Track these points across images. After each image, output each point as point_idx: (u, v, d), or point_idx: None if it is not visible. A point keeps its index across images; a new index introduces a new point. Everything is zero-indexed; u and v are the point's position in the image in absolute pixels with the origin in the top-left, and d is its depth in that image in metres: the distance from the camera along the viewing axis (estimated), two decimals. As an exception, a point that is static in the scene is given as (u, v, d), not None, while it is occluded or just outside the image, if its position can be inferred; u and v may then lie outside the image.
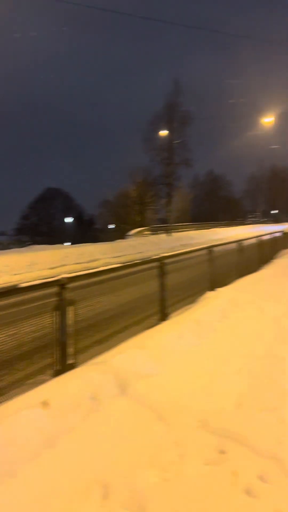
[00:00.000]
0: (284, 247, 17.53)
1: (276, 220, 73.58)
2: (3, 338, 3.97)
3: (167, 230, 35.25)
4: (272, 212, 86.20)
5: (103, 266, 5.79)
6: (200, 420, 3.59)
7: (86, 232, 61.41)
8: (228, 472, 2.84)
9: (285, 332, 6.53)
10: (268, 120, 23.22)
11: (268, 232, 16.55)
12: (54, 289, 4.50)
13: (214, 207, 78.50)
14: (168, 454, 3.08)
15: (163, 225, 39.72)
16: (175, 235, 34.81)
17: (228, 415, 3.71)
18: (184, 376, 4.51)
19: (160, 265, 6.68)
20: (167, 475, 2.85)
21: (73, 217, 69.20)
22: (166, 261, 6.83)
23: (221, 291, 8.33)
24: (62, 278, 4.55)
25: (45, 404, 3.50)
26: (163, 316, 6.59)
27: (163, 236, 33.74)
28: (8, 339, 4.02)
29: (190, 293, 8.03)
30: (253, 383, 4.42)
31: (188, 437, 3.29)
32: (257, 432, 3.37)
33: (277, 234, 16.94)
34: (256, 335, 6.21)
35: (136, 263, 6.36)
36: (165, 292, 6.70)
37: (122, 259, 19.90)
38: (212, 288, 8.67)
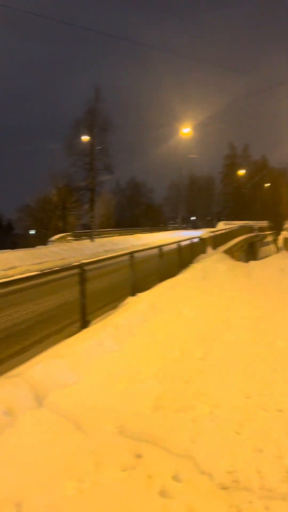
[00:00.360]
0: (202, 252, 18.42)
1: (194, 226, 77.03)
2: None
3: (90, 236, 35.00)
4: (191, 218, 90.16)
5: (21, 274, 5.57)
6: (117, 426, 3.60)
7: (4, 238, 58.53)
8: (144, 475, 2.88)
9: (200, 332, 6.85)
10: (186, 130, 24.27)
11: (187, 237, 17.25)
12: None
13: (137, 213, 79.90)
14: (85, 464, 3.04)
15: (86, 230, 39.40)
16: (99, 241, 34.69)
17: (145, 419, 3.77)
18: (103, 383, 4.50)
19: (81, 271, 6.60)
20: (84, 485, 2.81)
21: (-11, 222, 65.57)
22: (87, 267, 6.77)
23: (142, 296, 8.47)
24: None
25: None
26: (84, 323, 6.51)
27: (86, 242, 33.43)
28: None
29: (112, 299, 8.05)
30: (170, 385, 4.56)
31: (105, 444, 3.28)
32: (173, 433, 3.48)
33: (195, 240, 17.74)
34: (174, 337, 6.43)
35: (55, 270, 6.21)
36: (86, 299, 6.63)
37: (43, 266, 19.29)
38: (133, 293, 8.78)
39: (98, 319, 6.83)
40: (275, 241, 28.16)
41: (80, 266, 6.63)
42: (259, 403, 4.25)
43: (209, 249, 19.21)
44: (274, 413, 4.03)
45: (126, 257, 9.11)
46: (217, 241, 22.30)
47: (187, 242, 15.59)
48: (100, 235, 39.57)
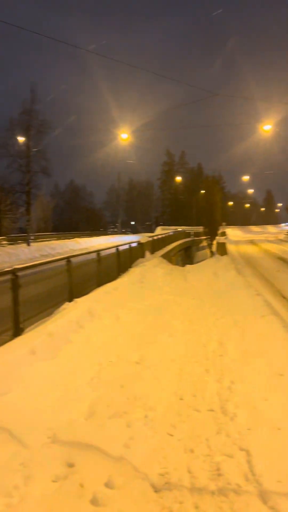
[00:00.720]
0: (141, 256, 18.63)
1: (134, 231, 77.79)
2: None
3: (27, 240, 33.87)
4: (131, 223, 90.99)
5: None
6: (50, 435, 3.51)
7: None
8: (76, 485, 2.83)
9: (137, 336, 6.91)
10: (124, 136, 24.44)
11: (126, 242, 17.36)
12: None
13: (76, 217, 78.89)
14: (14, 477, 2.91)
15: (22, 234, 38.08)
16: (36, 245, 33.68)
17: (79, 426, 3.72)
18: (36, 392, 4.35)
19: (13, 277, 6.35)
20: (12, 500, 2.70)
21: None
22: (21, 273, 6.53)
23: (79, 302, 8.35)
24: None
25: None
26: (17, 331, 6.26)
27: (22, 246, 32.28)
28: None
29: (48, 305, 7.83)
30: (105, 391, 4.54)
31: (36, 455, 3.17)
32: (106, 439, 3.46)
33: (134, 244, 17.90)
34: (110, 342, 6.41)
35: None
36: (19, 306, 6.39)
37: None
38: (71, 299, 8.62)
39: (32, 326, 6.61)
40: (209, 246, 29.26)
41: (13, 272, 6.38)
42: (192, 404, 4.38)
43: (148, 254, 19.46)
44: (205, 413, 4.17)
45: (63, 262, 8.93)
46: (155, 245, 22.68)
47: (126, 246, 15.66)
48: (37, 239, 38.47)
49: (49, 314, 7.43)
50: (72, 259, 9.07)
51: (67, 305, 7.91)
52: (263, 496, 2.81)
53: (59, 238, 43.33)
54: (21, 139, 33.16)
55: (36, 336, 5.64)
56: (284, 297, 11.31)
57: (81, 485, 2.81)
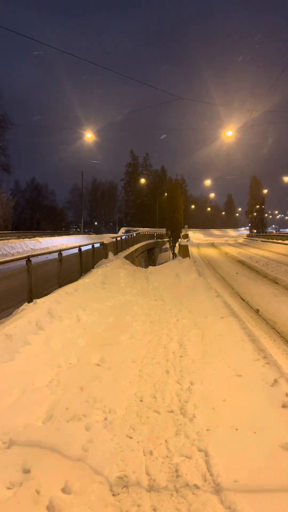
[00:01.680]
0: (104, 257, 18.51)
1: (97, 231, 77.28)
2: None
3: (-15, 238, 32.74)
4: (95, 223, 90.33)
5: None
6: (5, 440, 3.38)
7: None
8: (32, 491, 2.74)
9: (98, 338, 6.84)
10: (89, 136, 24.24)
11: (89, 242, 17.19)
12: None
13: (37, 216, 77.26)
14: None
15: (-19, 232, 36.83)
16: (-6, 243, 32.66)
17: (37, 430, 3.61)
18: (-9, 396, 4.19)
19: None
20: None
21: None
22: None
23: (40, 302, 8.15)
24: None
25: None
26: (-28, 332, 6.02)
27: (-20, 244, 31.17)
28: None
29: (6, 306, 7.60)
30: (64, 393, 4.45)
31: (-10, 462, 3.05)
32: (64, 442, 3.38)
33: (97, 245, 17.76)
34: (71, 344, 6.30)
35: None
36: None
37: None
38: (30, 299, 8.41)
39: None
40: (172, 248, 29.58)
41: None
42: (152, 406, 4.38)
43: (111, 255, 19.37)
44: (165, 414, 4.18)
45: (23, 262, 8.69)
46: (118, 246, 22.63)
47: (89, 247, 15.51)
48: (-4, 237, 37.28)
49: (6, 315, 7.20)
50: (32, 259, 8.86)
51: (26, 306, 7.71)
52: (220, 496, 2.84)
53: (19, 237, 42.21)
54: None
55: (-8, 338, 5.44)
56: (243, 299, 11.61)
57: (37, 491, 2.73)
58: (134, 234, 33.52)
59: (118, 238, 23.72)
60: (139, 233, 37.16)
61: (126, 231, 47.62)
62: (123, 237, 25.64)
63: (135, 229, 54.85)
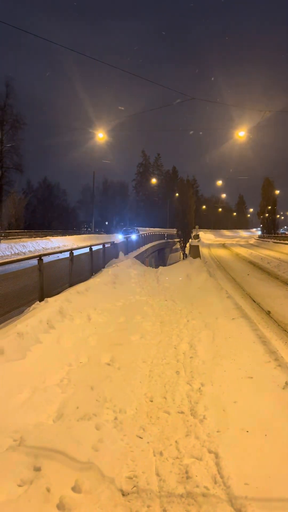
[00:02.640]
0: (114, 257, 18.55)
1: (107, 231, 77.48)
2: None
3: (-3, 237, 33.07)
4: (106, 223, 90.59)
5: None
6: (16, 438, 3.41)
7: None
8: (42, 489, 2.75)
9: (108, 337, 6.85)
10: (101, 135, 24.31)
11: (100, 242, 17.25)
12: None
13: (49, 215, 77.80)
14: (-23, 484, 2.81)
15: (-7, 231, 37.21)
16: (6, 242, 32.97)
17: (47, 429, 3.63)
18: (3, 394, 4.22)
19: (-18, 275, 6.17)
20: (-25, 507, 2.60)
21: None
22: (-11, 270, 6.36)
23: (51, 301, 8.21)
24: None
25: None
26: (-15, 330, 6.08)
27: (-8, 243, 31.50)
28: None
29: (17, 304, 7.65)
30: (75, 392, 4.46)
31: (2, 459, 3.08)
32: (75, 442, 3.40)
33: (108, 245, 17.82)
34: (82, 343, 6.33)
35: None
36: (-13, 304, 6.21)
37: None
38: (41, 298, 8.47)
39: (1, 325, 6.44)
40: (183, 248, 29.51)
41: (-18, 269, 6.20)
42: (162, 406, 4.37)
43: (121, 254, 19.42)
44: (175, 415, 4.17)
45: (34, 261, 8.75)
46: (129, 246, 22.66)
47: (99, 246, 15.56)
48: (7, 236, 37.68)
49: (18, 314, 7.26)
50: (44, 258, 8.92)
51: (37, 305, 7.77)
52: (231, 499, 2.82)
53: (31, 236, 42.56)
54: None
55: (4, 336, 5.49)
56: (254, 301, 11.52)
57: (48, 490, 2.74)
58: (145, 234, 33.46)
59: (129, 238, 23.77)
60: (150, 233, 37.11)
61: (124, 230, 47.37)
62: (134, 237, 25.66)
63: (145, 229, 54.66)
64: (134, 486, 3.00)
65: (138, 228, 57.11)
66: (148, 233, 37.47)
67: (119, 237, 22.24)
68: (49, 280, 9.15)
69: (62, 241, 37.67)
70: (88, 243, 16.50)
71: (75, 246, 12.83)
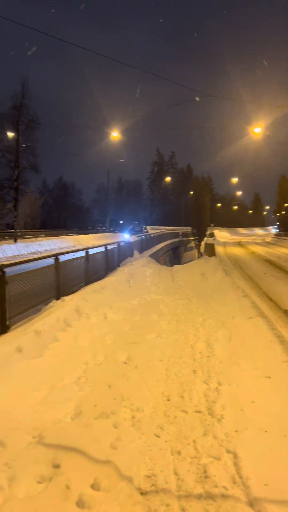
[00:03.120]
0: (129, 255, 18.60)
1: (122, 230, 77.66)
2: None
3: (14, 236, 33.50)
4: (120, 222, 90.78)
5: None
6: (35, 435, 3.45)
7: None
8: (62, 486, 2.78)
9: (125, 336, 6.87)
10: (114, 134, 24.35)
11: (115, 241, 17.31)
12: None
13: (64, 214, 78.43)
14: (-2, 479, 2.85)
15: (10, 231, 37.65)
16: (23, 241, 33.35)
17: (65, 426, 3.66)
18: (21, 391, 4.28)
19: (0, 273, 6.24)
20: (-4, 503, 2.63)
21: None
22: (7, 269, 6.43)
23: (67, 300, 8.27)
24: None
25: None
26: (3, 328, 6.16)
27: (9, 242, 31.94)
28: None
29: (35, 302, 7.73)
30: (92, 391, 4.49)
31: (21, 456, 3.12)
32: (93, 440, 3.42)
33: (123, 244, 17.86)
34: (98, 342, 6.36)
35: None
36: (5, 303, 6.29)
37: None
38: (58, 296, 8.54)
39: (19, 323, 6.51)
40: (198, 246, 29.36)
41: (0, 268, 6.28)
42: (179, 405, 4.36)
43: (136, 253, 19.44)
44: (192, 414, 4.15)
45: (50, 259, 8.83)
46: (144, 245, 22.67)
47: (115, 245, 15.60)
48: (24, 236, 38.10)
49: (35, 312, 7.33)
50: (60, 257, 8.99)
51: (54, 303, 7.83)
52: (250, 500, 2.79)
53: (46, 235, 42.96)
54: (10, 134, 32.78)
55: (22, 334, 5.56)
56: (271, 300, 11.39)
57: (67, 487, 2.76)
58: (160, 233, 33.37)
59: (143, 237, 23.77)
60: (164, 231, 37.01)
61: (151, 230, 46.74)
62: (148, 236, 25.66)
63: (160, 227, 54.44)
64: (153, 485, 3.00)
65: (148, 226, 56.57)
66: (162, 232, 37.37)
67: (125, 237, 22.16)
68: (65, 279, 9.23)
69: (77, 240, 37.92)
70: (103, 242, 16.55)
71: (90, 245, 12.89)
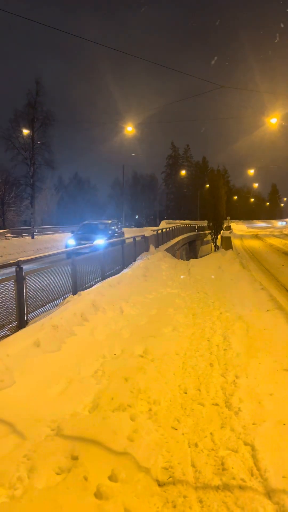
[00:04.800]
0: (145, 250, 18.61)
1: (138, 224, 77.62)
2: None
3: (31, 233, 33.93)
4: (136, 216, 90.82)
5: None
6: (54, 427, 3.50)
7: None
8: (80, 477, 2.81)
9: (141, 330, 6.89)
10: (129, 129, 24.31)
11: (130, 236, 17.33)
12: None
13: (80, 210, 78.79)
14: (17, 470, 2.91)
15: (27, 227, 38.15)
16: (40, 238, 33.76)
17: (83, 419, 3.70)
18: (40, 384, 4.35)
19: (18, 269, 6.33)
20: (16, 492, 2.69)
21: None
22: (25, 265, 6.52)
23: (84, 294, 8.34)
24: None
25: None
26: (22, 323, 6.26)
27: (27, 239, 32.38)
28: None
29: (52, 297, 7.83)
30: (109, 384, 4.52)
31: (40, 447, 3.17)
32: (110, 432, 3.45)
33: (138, 238, 17.87)
34: (115, 335, 6.40)
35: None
36: (23, 298, 6.38)
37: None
38: (75, 291, 8.62)
39: (37, 318, 6.61)
40: (214, 240, 29.18)
41: (17, 264, 6.36)
42: (196, 398, 4.36)
43: (152, 247, 19.42)
44: (209, 407, 4.15)
45: (67, 255, 8.92)
46: (159, 239, 22.63)
47: (131, 240, 15.63)
48: (41, 232, 38.51)
49: (53, 306, 7.42)
50: (76, 252, 9.06)
51: (71, 298, 7.91)
52: (268, 492, 2.78)
53: (63, 231, 43.33)
54: (25, 131, 33.08)
55: (40, 328, 5.64)
56: (289, 292, 11.24)
57: (85, 478, 2.80)
58: (175, 227, 33.21)
59: (159, 231, 23.72)
60: (180, 225, 36.82)
61: (167, 224, 45.55)
62: (164, 230, 25.59)
63: (175, 221, 54.07)
64: (170, 477, 3.01)
65: (164, 221, 55.21)
66: (178, 225, 37.20)
67: (150, 230, 21.60)
68: (82, 274, 9.30)
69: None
70: (118, 237, 16.57)
71: (105, 240, 12.95)
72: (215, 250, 27.25)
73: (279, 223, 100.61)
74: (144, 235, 19.33)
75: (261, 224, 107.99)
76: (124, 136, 28.73)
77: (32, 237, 32.74)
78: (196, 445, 3.43)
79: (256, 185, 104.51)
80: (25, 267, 6.38)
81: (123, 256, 13.64)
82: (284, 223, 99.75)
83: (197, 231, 44.62)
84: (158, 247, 21.07)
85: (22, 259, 6.56)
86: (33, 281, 6.77)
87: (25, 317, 6.33)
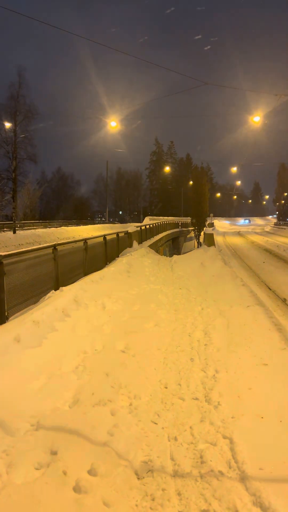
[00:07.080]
0: (129, 246, 18.59)
1: (121, 220, 77.52)
2: None
3: (13, 228, 33.43)
4: (119, 212, 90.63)
5: None
6: (33, 423, 3.48)
7: None
8: (59, 472, 2.81)
9: (123, 325, 6.90)
10: (113, 124, 24.15)
11: (114, 231, 17.29)
12: None
13: (63, 206, 78.11)
14: (-4, 466, 2.89)
15: (8, 222, 37.60)
16: (22, 233, 33.32)
17: (63, 414, 3.69)
18: (20, 380, 4.30)
19: (-2, 264, 6.24)
20: (-6, 488, 2.67)
21: None
22: (5, 261, 6.43)
23: (66, 290, 8.28)
24: None
25: None
26: (1, 319, 6.18)
27: (8, 233, 31.92)
28: None
29: (34, 293, 7.75)
30: (90, 379, 4.52)
31: (19, 443, 3.15)
32: (90, 427, 3.45)
33: (122, 234, 17.84)
34: (96, 331, 6.39)
35: None
36: (3, 294, 6.30)
37: None
38: (57, 287, 8.55)
39: (17, 314, 6.54)
40: (197, 236, 29.34)
41: (-2, 259, 6.27)
42: (176, 393, 4.40)
43: (135, 244, 19.41)
44: (190, 401, 4.19)
45: (49, 250, 8.82)
46: (143, 235, 22.64)
47: (114, 236, 15.58)
48: (23, 227, 38.02)
49: (34, 302, 7.35)
50: (59, 247, 8.98)
51: (53, 293, 7.84)
52: (245, 483, 2.83)
53: (45, 226, 42.94)
54: (7, 124, 32.52)
55: (21, 324, 5.58)
56: (269, 289, 11.43)
57: (64, 473, 2.80)
58: (159, 223, 33.24)
59: (143, 227, 23.71)
60: (164, 222, 36.90)
61: (151, 220, 45.33)
62: (148, 226, 25.60)
63: (159, 218, 54.14)
64: (149, 470, 3.04)
65: (147, 217, 55.17)
66: (161, 222, 37.25)
67: (133, 226, 21.66)
68: (64, 269, 9.23)
69: (77, 231, 37.88)
70: (102, 233, 16.49)
71: (88, 236, 12.88)
72: (198, 247, 27.42)
73: (241, 221, 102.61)
74: (127, 231, 19.31)
75: (243, 221, 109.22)
76: (108, 131, 28.55)
77: (14, 232, 32.27)
78: (175, 438, 3.47)
79: (239, 183, 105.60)
80: (5, 262, 6.30)
81: (106, 252, 13.60)
82: (247, 221, 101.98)
83: (181, 227, 44.80)
84: (141, 243, 21.07)
85: (2, 254, 6.47)
86: (13, 276, 6.69)
87: (5, 312, 6.26)
